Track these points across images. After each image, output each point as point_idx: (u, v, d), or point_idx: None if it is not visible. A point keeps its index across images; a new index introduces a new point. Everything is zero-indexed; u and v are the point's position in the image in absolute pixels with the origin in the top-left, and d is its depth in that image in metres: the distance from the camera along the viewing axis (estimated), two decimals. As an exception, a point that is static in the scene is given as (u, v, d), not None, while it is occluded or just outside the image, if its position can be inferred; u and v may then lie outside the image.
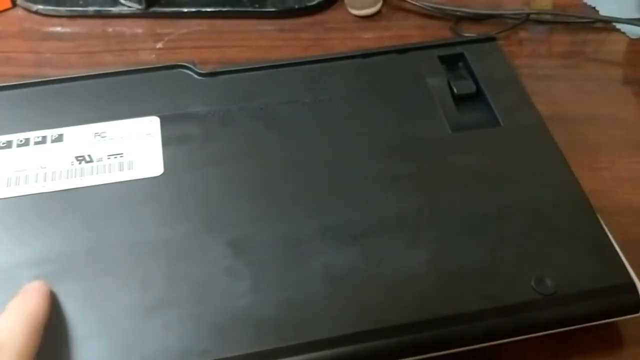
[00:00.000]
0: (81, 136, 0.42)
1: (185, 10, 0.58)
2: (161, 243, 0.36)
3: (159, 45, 0.56)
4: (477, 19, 0.57)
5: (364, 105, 0.44)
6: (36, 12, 0.59)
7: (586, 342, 0.36)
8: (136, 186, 0.39)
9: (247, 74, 0.46)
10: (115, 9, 0.58)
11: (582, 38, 0.56)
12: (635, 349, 0.36)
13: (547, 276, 0.34)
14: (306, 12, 0.59)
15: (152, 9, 0.58)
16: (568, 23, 0.57)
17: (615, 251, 0.36)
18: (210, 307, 0.34)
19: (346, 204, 0.38)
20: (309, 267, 0.35)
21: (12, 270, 0.35)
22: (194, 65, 0.46)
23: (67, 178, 0.39)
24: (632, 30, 0.55)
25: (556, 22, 0.57)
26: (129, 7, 0.58)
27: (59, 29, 0.58)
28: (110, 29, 0.58)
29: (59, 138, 0.41)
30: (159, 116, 0.43)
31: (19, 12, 0.60)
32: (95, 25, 0.58)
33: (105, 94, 0.44)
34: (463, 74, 0.46)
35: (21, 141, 0.41)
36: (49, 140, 0.41)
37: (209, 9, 0.58)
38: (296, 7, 0.58)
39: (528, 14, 0.57)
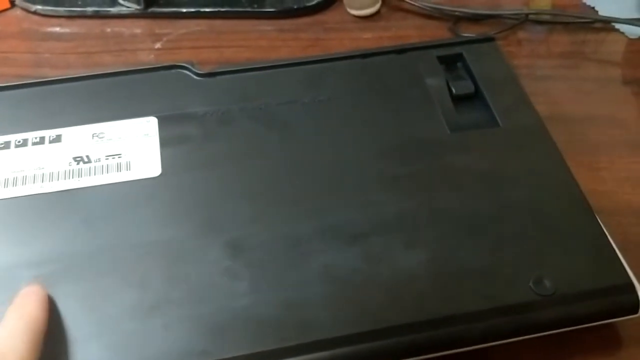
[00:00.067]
0: (79, 137, 0.41)
1: (184, 10, 0.58)
2: (160, 244, 0.36)
3: (158, 45, 0.56)
4: (476, 19, 0.57)
5: (363, 106, 0.44)
6: (35, 13, 0.59)
7: (585, 343, 0.36)
8: (134, 187, 0.39)
9: (245, 74, 0.46)
10: (113, 9, 0.58)
11: (581, 38, 0.55)
12: (634, 350, 0.36)
13: (545, 277, 0.34)
14: (305, 12, 0.59)
15: (150, 9, 0.58)
16: (567, 23, 0.56)
17: (614, 252, 0.36)
18: (209, 307, 0.34)
19: (345, 204, 0.38)
20: (308, 268, 0.35)
21: (11, 271, 0.35)
22: (193, 65, 0.46)
23: (65, 179, 0.39)
24: (631, 30, 0.55)
25: (555, 22, 0.57)
26: (128, 7, 0.58)
27: (57, 29, 0.58)
28: (108, 29, 0.58)
29: (57, 139, 0.41)
30: (157, 117, 0.42)
31: (17, 12, 0.60)
32: (94, 25, 0.58)
33: (104, 94, 0.44)
34: (462, 74, 0.46)
35: (19, 142, 0.41)
36: (47, 140, 0.41)
37: (207, 9, 0.58)
38: (295, 7, 0.58)
39: (527, 14, 0.56)
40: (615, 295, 0.34)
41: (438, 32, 0.56)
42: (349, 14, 0.58)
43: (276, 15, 0.58)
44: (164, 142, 0.41)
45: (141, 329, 0.33)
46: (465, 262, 0.35)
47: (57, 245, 0.36)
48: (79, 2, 0.59)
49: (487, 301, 0.34)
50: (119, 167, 0.40)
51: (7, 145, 0.41)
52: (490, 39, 0.49)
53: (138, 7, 0.58)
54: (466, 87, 0.45)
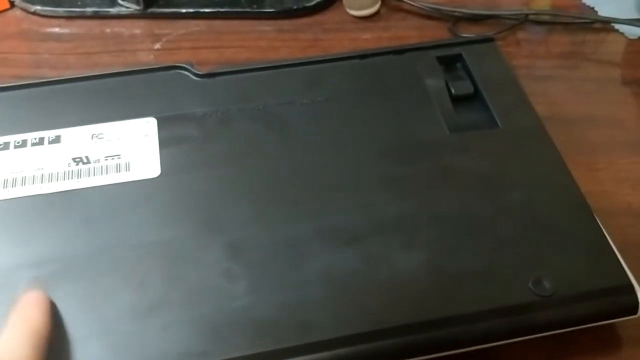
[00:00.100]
0: (78, 137, 0.41)
1: (183, 11, 0.58)
2: (159, 244, 0.36)
3: (157, 46, 0.56)
4: (476, 19, 0.57)
5: (362, 106, 0.44)
6: (34, 13, 0.59)
7: (584, 344, 0.36)
8: (133, 188, 0.39)
9: (245, 74, 0.46)
10: (113, 10, 0.58)
11: (581, 38, 0.55)
12: (633, 350, 0.36)
13: (545, 277, 0.34)
14: (304, 12, 0.59)
15: (150, 10, 0.58)
16: (567, 23, 0.56)
17: (614, 252, 0.36)
18: (208, 308, 0.34)
19: (344, 205, 0.38)
20: (307, 268, 0.35)
21: (10, 272, 0.35)
22: (192, 66, 0.46)
23: (64, 180, 0.39)
24: (631, 31, 0.55)
25: (555, 22, 0.57)
26: (127, 7, 0.58)
27: (57, 29, 0.58)
28: (108, 30, 0.58)
29: (57, 139, 0.41)
30: (156, 117, 0.42)
31: (17, 12, 0.60)
32: (94, 26, 0.58)
33: (103, 95, 0.44)
34: (461, 75, 0.46)
35: (18, 142, 0.41)
36: (46, 141, 0.41)
37: (207, 10, 0.58)
38: (294, 7, 0.58)
39: (526, 15, 0.56)
40: (615, 296, 0.34)
41: (437, 32, 0.56)
42: (348, 14, 0.58)
43: (275, 15, 0.58)
44: (163, 143, 0.41)
45: (140, 330, 0.33)
46: (465, 263, 0.35)
47: (57, 246, 0.36)
48: (79, 3, 0.59)
49: (486, 302, 0.34)
50: (118, 168, 0.40)
51: (6, 146, 0.41)
52: (489, 40, 0.49)
53: (137, 8, 0.58)
54: (465, 87, 0.45)
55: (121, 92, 0.45)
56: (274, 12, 0.58)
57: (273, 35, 0.57)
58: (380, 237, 0.37)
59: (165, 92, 0.45)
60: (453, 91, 0.44)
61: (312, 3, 0.59)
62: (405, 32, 0.57)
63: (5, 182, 0.39)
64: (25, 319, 0.32)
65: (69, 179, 0.39)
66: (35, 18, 0.59)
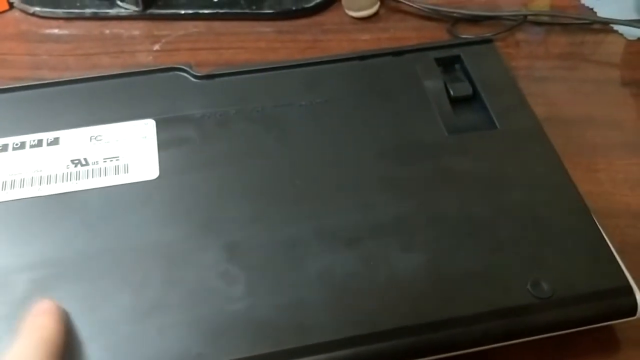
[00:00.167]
0: (77, 139, 0.41)
1: (183, 12, 0.58)
2: (157, 247, 0.36)
3: (156, 47, 0.56)
4: (475, 20, 0.57)
5: (360, 108, 0.44)
6: (33, 14, 0.59)
7: (583, 346, 0.36)
8: (132, 190, 0.39)
9: (243, 76, 0.46)
10: (112, 11, 0.58)
11: (580, 39, 0.55)
12: (632, 352, 0.36)
13: (543, 279, 0.34)
14: (303, 13, 0.58)
15: (149, 11, 0.58)
16: (565, 24, 0.56)
17: (612, 254, 0.36)
18: (206, 310, 0.34)
19: (342, 206, 0.38)
20: (306, 271, 0.35)
21: (9, 274, 0.35)
22: (191, 67, 0.46)
23: (63, 181, 0.39)
24: (630, 32, 0.55)
25: (554, 23, 0.57)
26: (126, 9, 0.58)
27: (56, 31, 0.58)
28: (107, 31, 0.58)
29: (55, 141, 0.41)
30: (154, 119, 0.42)
31: (16, 14, 0.60)
32: (93, 27, 0.58)
33: (101, 96, 0.44)
34: (460, 76, 0.46)
35: (17, 144, 0.41)
36: (44, 143, 0.41)
37: (206, 11, 0.58)
38: (293, 8, 0.58)
39: (525, 16, 0.56)
40: (613, 297, 0.34)
41: (436, 33, 0.56)
42: (347, 15, 0.58)
43: (274, 16, 0.58)
44: (162, 145, 0.41)
45: (138, 332, 0.33)
46: (463, 265, 0.35)
47: (55, 248, 0.36)
48: (78, 4, 0.59)
49: (484, 304, 0.34)
50: (116, 170, 0.40)
51: (4, 148, 0.41)
52: (488, 41, 0.49)
53: (136, 9, 0.58)
54: (464, 89, 0.45)
55: (120, 93, 0.45)
56: (273, 13, 0.58)
57: (272, 37, 0.57)
58: (379, 238, 0.37)
59: (164, 93, 0.45)
60: (452, 92, 0.44)
61: (311, 4, 0.59)
62: (404, 33, 0.57)
63: (4, 184, 0.39)
64: (37, 328, 0.31)
65: (67, 180, 0.39)
66: (34, 19, 0.59)
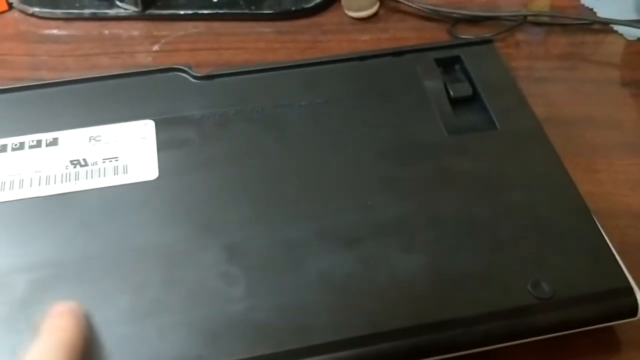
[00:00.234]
0: (76, 140, 0.41)
1: (182, 12, 0.58)
2: (157, 247, 0.36)
3: (156, 47, 0.56)
4: (475, 21, 0.57)
5: (360, 108, 0.44)
6: (32, 15, 0.59)
7: (583, 346, 0.36)
8: (131, 190, 0.39)
9: (243, 76, 0.46)
10: (111, 12, 0.58)
11: (580, 40, 0.55)
12: (633, 353, 0.36)
13: (543, 280, 0.34)
14: (303, 14, 0.58)
15: (148, 12, 0.58)
16: (565, 25, 0.56)
17: (613, 254, 0.36)
18: (205, 312, 0.33)
19: (342, 207, 0.38)
20: (305, 272, 0.35)
21: (8, 275, 0.35)
22: (190, 68, 0.46)
23: (62, 182, 0.39)
24: (630, 32, 0.55)
25: (553, 23, 0.57)
26: (126, 9, 0.58)
27: (55, 31, 0.58)
28: (106, 32, 0.58)
29: (54, 142, 0.41)
30: (154, 119, 0.42)
31: (15, 14, 0.60)
32: (92, 27, 0.58)
33: (101, 97, 0.44)
34: (459, 77, 0.46)
35: (16, 145, 0.41)
36: (43, 144, 0.41)
37: (205, 12, 0.58)
38: (293, 9, 0.58)
39: (525, 16, 0.56)
40: (614, 298, 0.34)
41: (436, 34, 0.56)
42: (346, 15, 0.58)
43: (274, 17, 0.58)
44: (161, 145, 0.41)
45: (138, 333, 0.33)
46: (464, 265, 0.35)
47: (54, 249, 0.36)
48: (77, 4, 0.59)
49: (485, 305, 0.34)
50: (115, 171, 0.40)
51: (3, 148, 0.41)
52: (488, 41, 0.49)
53: (136, 9, 0.58)
54: (464, 89, 0.45)
55: (119, 94, 0.44)
56: (272, 13, 0.58)
57: (272, 37, 0.57)
58: (379, 238, 0.36)
59: (163, 94, 0.44)
60: (451, 93, 0.44)
61: (311, 4, 0.59)
62: (404, 33, 0.57)
63: (3, 184, 0.39)
64: (58, 329, 0.31)
65: (66, 181, 0.39)
66: (34, 20, 0.59)
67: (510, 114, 0.43)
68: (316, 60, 0.47)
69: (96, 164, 0.40)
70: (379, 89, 0.45)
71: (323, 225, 0.37)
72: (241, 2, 0.59)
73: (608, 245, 0.36)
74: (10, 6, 0.60)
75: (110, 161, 0.40)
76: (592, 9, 0.58)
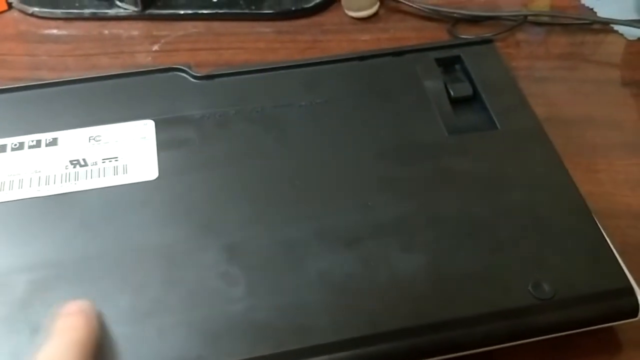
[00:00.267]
0: (76, 140, 0.41)
1: (182, 12, 0.58)
2: (157, 247, 0.36)
3: (155, 47, 0.56)
4: (475, 20, 0.57)
5: (360, 108, 0.44)
6: (32, 15, 0.59)
7: (584, 347, 0.36)
8: (131, 190, 0.39)
9: (243, 76, 0.46)
10: (111, 11, 0.58)
11: (580, 39, 0.55)
12: (633, 353, 0.36)
13: (544, 280, 0.34)
14: (303, 14, 0.58)
15: (148, 11, 0.58)
16: (566, 24, 0.56)
17: (613, 255, 0.36)
18: (205, 312, 0.33)
19: (343, 207, 0.38)
20: (305, 272, 0.35)
21: (7, 275, 0.35)
22: (190, 68, 0.46)
23: (62, 182, 0.39)
24: (630, 32, 0.55)
25: (554, 23, 0.57)
26: (125, 9, 0.58)
27: (55, 31, 0.58)
28: (106, 32, 0.58)
29: (54, 142, 0.41)
30: (154, 119, 0.42)
31: (14, 14, 0.60)
32: (92, 27, 0.58)
33: (101, 97, 0.44)
34: (460, 77, 0.46)
35: (15, 145, 0.41)
36: (43, 144, 0.41)
37: (205, 11, 0.58)
38: (293, 9, 0.58)
39: (526, 16, 0.56)
40: (615, 298, 0.34)
41: (436, 34, 0.56)
42: (346, 15, 0.58)
43: (274, 17, 0.58)
44: (161, 145, 0.41)
45: (137, 333, 0.33)
46: (464, 265, 0.35)
47: (54, 249, 0.36)
48: (76, 4, 0.59)
49: (485, 305, 0.34)
50: (115, 171, 0.40)
51: (3, 148, 0.41)
52: (488, 41, 0.49)
53: (135, 9, 0.58)
54: (464, 89, 0.45)
55: (119, 94, 0.44)
56: (272, 13, 0.58)
57: (272, 37, 0.57)
58: (379, 238, 0.36)
59: (163, 94, 0.44)
60: (452, 93, 0.44)
61: (311, 4, 0.59)
62: (404, 33, 0.57)
63: (2, 184, 0.39)
64: (68, 329, 0.31)
65: (66, 181, 0.39)
66: (33, 20, 0.59)
67: (511, 114, 0.43)
68: (316, 60, 0.47)
69: (96, 164, 0.40)
70: (379, 89, 0.45)
71: (323, 225, 0.37)
72: (241, 2, 0.59)
73: (609, 246, 0.36)
74: (10, 6, 0.60)
75: (110, 161, 0.40)
76: (592, 9, 0.58)
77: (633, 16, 0.56)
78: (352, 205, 0.38)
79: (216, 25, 0.58)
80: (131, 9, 0.58)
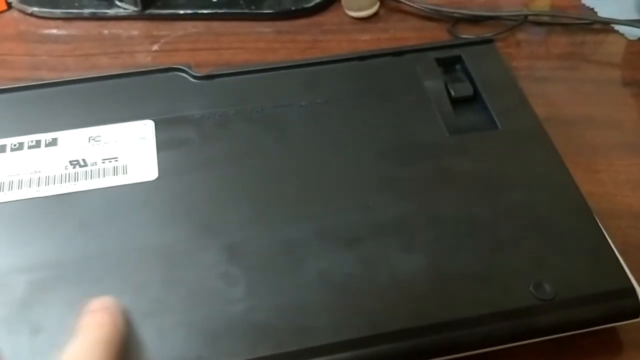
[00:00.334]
0: (75, 140, 0.41)
1: (182, 12, 0.58)
2: (156, 248, 0.36)
3: (155, 47, 0.56)
4: (475, 20, 0.57)
5: (360, 108, 0.43)
6: (32, 15, 0.59)
7: (585, 348, 0.35)
8: (131, 191, 0.39)
9: (243, 76, 0.46)
10: (111, 11, 0.58)
11: (580, 39, 0.55)
12: (634, 354, 0.36)
13: (545, 281, 0.34)
14: (303, 13, 0.58)
15: (148, 11, 0.58)
16: (566, 24, 0.56)
17: (615, 255, 0.36)
18: (205, 313, 0.33)
19: (343, 207, 0.38)
20: (305, 272, 0.35)
21: (7, 276, 0.35)
22: (190, 68, 0.46)
23: (61, 183, 0.39)
24: (631, 32, 0.55)
25: (554, 23, 0.57)
26: (125, 9, 0.58)
27: (54, 31, 0.58)
28: (106, 31, 0.58)
29: (53, 142, 0.41)
30: (154, 120, 0.42)
31: (14, 14, 0.59)
32: (91, 27, 0.58)
33: (100, 97, 0.44)
34: (460, 77, 0.46)
35: (15, 145, 0.41)
36: (43, 144, 0.41)
37: (205, 11, 0.58)
38: (293, 8, 0.58)
39: (526, 16, 0.56)
40: (616, 299, 0.34)
41: (437, 33, 0.56)
42: (347, 15, 0.58)
43: (274, 17, 0.58)
44: (161, 146, 0.41)
45: (138, 333, 0.33)
46: (465, 266, 0.35)
47: (54, 249, 0.36)
48: (76, 4, 0.58)
49: (486, 306, 0.34)
50: (115, 171, 0.40)
51: (3, 148, 0.41)
52: (489, 41, 0.48)
53: (135, 9, 0.58)
54: (465, 89, 0.45)
55: (119, 94, 0.44)
56: (272, 13, 0.58)
57: (272, 37, 0.57)
58: (379, 238, 0.36)
59: (163, 94, 0.44)
60: (452, 93, 0.44)
61: (311, 4, 0.58)
62: (404, 33, 0.56)
63: (2, 185, 0.39)
64: (95, 326, 0.31)
65: (66, 182, 0.39)
66: (33, 19, 0.59)
67: (511, 114, 0.43)
68: (316, 60, 0.47)
69: (96, 164, 0.40)
70: (380, 89, 0.45)
71: (323, 225, 0.37)
72: (241, 2, 0.58)
73: (610, 246, 0.36)
74: (10, 6, 0.60)
75: (109, 161, 0.40)
76: (592, 9, 0.58)
77: (633, 16, 0.56)
78: (352, 205, 0.38)
79: (216, 25, 0.58)
80: (131, 8, 0.58)
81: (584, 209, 0.38)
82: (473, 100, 0.44)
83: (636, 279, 0.35)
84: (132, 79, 0.45)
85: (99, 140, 0.41)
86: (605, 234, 0.37)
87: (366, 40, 0.56)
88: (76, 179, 0.39)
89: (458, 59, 0.47)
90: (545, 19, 0.57)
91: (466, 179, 0.39)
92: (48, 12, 0.58)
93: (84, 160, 0.40)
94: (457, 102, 0.44)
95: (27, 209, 0.38)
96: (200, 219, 0.37)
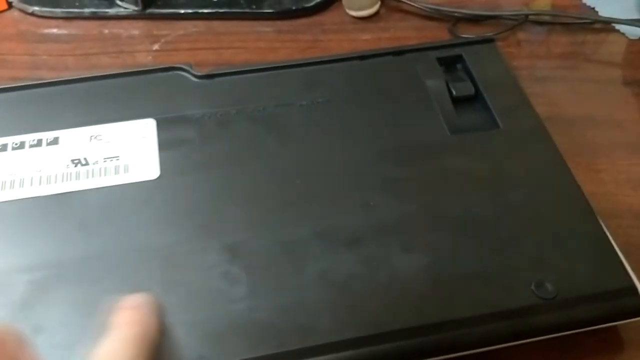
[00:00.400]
0: (77, 139, 0.41)
1: (182, 11, 0.58)
2: (158, 247, 0.36)
3: (156, 47, 0.56)
4: (476, 20, 0.57)
5: (361, 108, 0.43)
6: (32, 14, 0.59)
7: (587, 346, 0.35)
8: (132, 190, 0.38)
9: (243, 76, 0.46)
10: (111, 11, 0.58)
11: (581, 39, 0.55)
12: (636, 353, 0.36)
13: (547, 280, 0.34)
14: (303, 13, 0.58)
15: (148, 11, 0.58)
16: (567, 24, 0.56)
17: (616, 254, 0.36)
18: (207, 312, 0.33)
19: (344, 207, 0.38)
20: (306, 272, 0.35)
21: (7, 275, 0.35)
22: (190, 67, 0.46)
23: (63, 181, 0.39)
24: (632, 31, 0.55)
25: (555, 22, 0.57)
26: (126, 8, 0.58)
27: (55, 30, 0.58)
28: (106, 31, 0.57)
29: (55, 141, 0.41)
30: (155, 119, 0.42)
31: (14, 13, 0.59)
32: (92, 27, 0.58)
33: (101, 96, 0.44)
34: (461, 76, 0.46)
35: (16, 144, 0.41)
36: (44, 143, 0.41)
37: (205, 11, 0.58)
38: (293, 8, 0.58)
39: (527, 15, 0.56)
40: (618, 298, 0.34)
41: (437, 33, 0.56)
42: (347, 14, 0.58)
43: (274, 16, 0.58)
44: (162, 145, 0.41)
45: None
46: (466, 266, 0.35)
47: (55, 249, 0.36)
48: (77, 4, 0.58)
49: (488, 305, 0.34)
50: (116, 170, 0.40)
51: (4, 147, 0.41)
52: (489, 40, 0.48)
53: (136, 8, 0.58)
54: (466, 88, 0.45)
55: (120, 93, 0.44)
56: (273, 12, 0.58)
57: (272, 36, 0.57)
58: (381, 239, 0.36)
59: (164, 93, 0.44)
60: (453, 92, 0.44)
61: (311, 4, 0.58)
62: (405, 32, 0.56)
63: (4, 184, 0.39)
64: (129, 323, 0.30)
65: (67, 180, 0.39)
66: (33, 19, 0.59)
67: (513, 113, 0.43)
68: (317, 59, 0.47)
69: (97, 163, 0.40)
70: (380, 89, 0.45)
71: (325, 225, 0.37)
72: (241, 1, 0.58)
73: (612, 245, 0.36)
74: (10, 5, 0.60)
75: (111, 160, 0.40)
76: (593, 8, 0.58)
77: (634, 15, 0.56)
78: (353, 205, 0.38)
79: (216, 24, 0.58)
80: (131, 8, 0.58)
81: (586, 208, 0.38)
82: (474, 99, 0.44)
83: (638, 278, 0.35)
84: (132, 79, 0.45)
85: (101, 139, 0.41)
86: (607, 233, 0.37)
87: (367, 40, 0.56)
88: (77, 177, 0.39)
89: (459, 59, 0.47)
90: (546, 18, 0.57)
91: (467, 178, 0.39)
92: (48, 11, 0.58)
93: (85, 159, 0.40)
94: (459, 102, 0.44)
95: (29, 207, 0.38)
96: (202, 218, 0.37)
